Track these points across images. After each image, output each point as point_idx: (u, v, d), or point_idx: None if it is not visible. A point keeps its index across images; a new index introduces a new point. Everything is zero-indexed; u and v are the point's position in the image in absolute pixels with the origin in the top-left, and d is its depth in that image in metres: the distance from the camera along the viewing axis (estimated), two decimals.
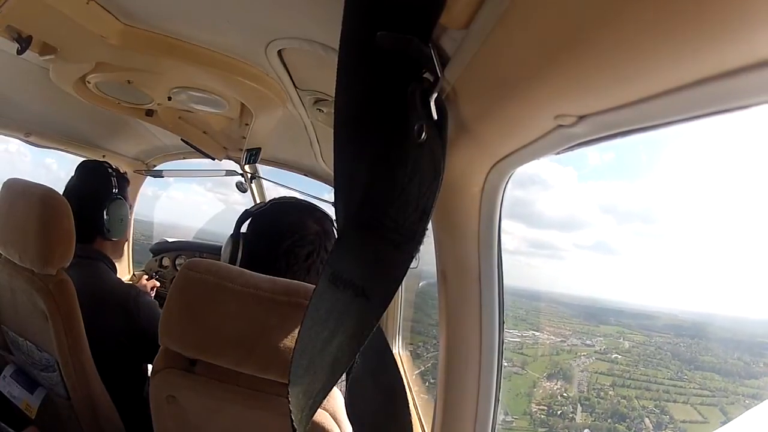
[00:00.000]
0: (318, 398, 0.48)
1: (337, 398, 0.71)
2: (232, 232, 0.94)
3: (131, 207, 1.46)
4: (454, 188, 0.65)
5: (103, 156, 2.01)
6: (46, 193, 1.04)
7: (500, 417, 0.79)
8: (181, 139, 1.69)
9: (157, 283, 1.95)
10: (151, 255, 2.28)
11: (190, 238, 2.78)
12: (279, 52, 0.95)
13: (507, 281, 0.75)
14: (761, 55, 0.25)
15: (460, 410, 0.78)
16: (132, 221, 2.14)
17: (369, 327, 0.43)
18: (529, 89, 0.40)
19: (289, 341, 0.66)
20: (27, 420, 1.16)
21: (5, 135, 1.74)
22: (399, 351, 2.02)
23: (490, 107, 0.48)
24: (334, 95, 0.48)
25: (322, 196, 1.93)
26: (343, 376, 0.67)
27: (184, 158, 2.23)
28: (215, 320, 0.70)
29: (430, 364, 2.04)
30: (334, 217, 0.91)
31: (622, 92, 0.34)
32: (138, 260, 2.37)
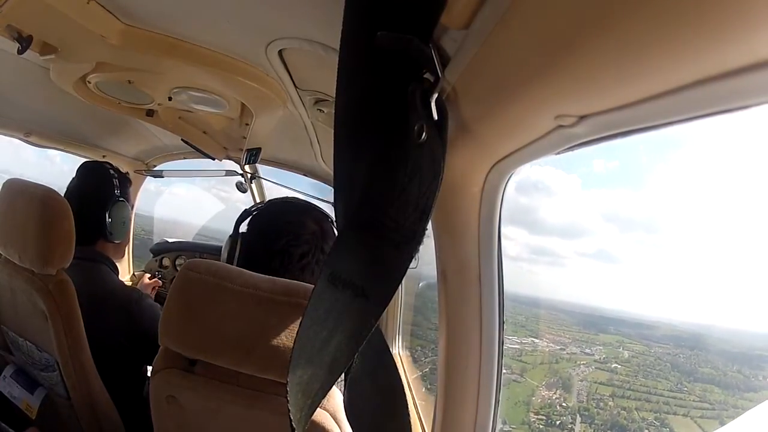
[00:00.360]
0: (317, 398, 0.47)
1: (336, 398, 0.71)
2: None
3: (132, 208, 1.46)
4: (454, 188, 0.65)
5: (104, 156, 2.02)
6: (46, 193, 1.04)
7: (498, 425, 0.79)
8: (182, 139, 1.69)
9: (159, 282, 1.95)
10: (151, 255, 2.28)
11: (191, 236, 2.78)
12: (279, 52, 0.95)
13: (507, 287, 0.75)
14: (761, 55, 0.25)
15: (461, 410, 0.78)
16: (133, 221, 2.14)
17: (368, 327, 0.43)
18: (529, 89, 0.40)
19: (289, 341, 0.66)
20: (27, 420, 1.16)
21: (5, 135, 1.74)
22: (399, 351, 2.02)
23: (490, 107, 0.48)
24: (334, 95, 0.48)
25: (322, 196, 1.93)
26: (342, 376, 0.67)
27: (185, 158, 2.23)
28: (215, 320, 0.70)
29: (427, 369, 2.04)
30: (333, 217, 0.91)
31: (623, 92, 0.34)
32: (137, 255, 2.37)
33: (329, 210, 0.95)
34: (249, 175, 2.13)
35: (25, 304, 1.08)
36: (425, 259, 0.88)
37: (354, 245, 0.47)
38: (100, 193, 1.32)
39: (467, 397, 0.77)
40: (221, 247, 0.98)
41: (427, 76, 0.43)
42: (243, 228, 0.95)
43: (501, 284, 0.74)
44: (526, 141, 0.50)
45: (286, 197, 1.01)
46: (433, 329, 0.88)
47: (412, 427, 0.90)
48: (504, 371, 0.78)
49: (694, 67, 0.28)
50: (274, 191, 2.27)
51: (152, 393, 0.76)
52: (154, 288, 1.90)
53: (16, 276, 1.07)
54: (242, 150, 1.67)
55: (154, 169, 2.26)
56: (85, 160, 1.60)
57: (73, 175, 1.37)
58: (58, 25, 0.93)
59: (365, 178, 0.46)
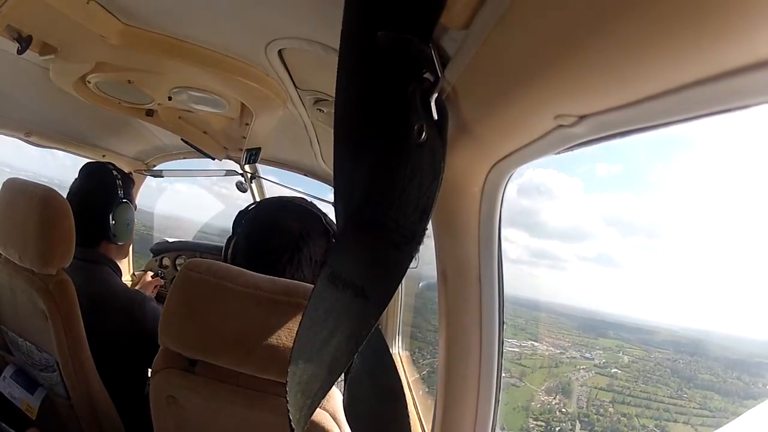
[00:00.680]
0: (316, 398, 0.47)
1: (336, 398, 0.71)
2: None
3: (135, 208, 1.46)
4: (454, 188, 0.65)
5: (104, 156, 2.02)
6: (46, 193, 1.04)
7: (497, 427, 0.78)
8: (182, 139, 1.69)
9: (161, 281, 1.95)
10: (151, 254, 2.28)
11: (192, 233, 2.77)
12: (279, 52, 0.95)
13: (507, 290, 0.74)
14: (761, 55, 0.25)
15: (461, 410, 0.78)
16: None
17: (368, 327, 0.43)
18: (529, 89, 0.40)
19: (289, 341, 0.66)
20: (28, 421, 1.16)
21: (5, 134, 1.74)
22: (399, 351, 2.02)
23: (490, 107, 0.48)
24: (334, 95, 0.48)
25: (322, 196, 1.93)
26: (342, 376, 0.67)
27: (184, 158, 2.23)
28: (215, 320, 0.70)
29: (425, 372, 2.04)
30: (333, 217, 0.91)
31: (623, 92, 0.34)
32: (137, 251, 2.36)
33: (329, 210, 0.95)
34: (249, 175, 2.14)
35: (25, 304, 1.08)
36: (425, 259, 0.88)
37: (354, 245, 0.47)
38: (103, 195, 1.31)
39: (467, 398, 0.77)
40: (221, 246, 0.98)
41: (427, 76, 0.43)
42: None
43: (501, 284, 0.74)
44: (526, 141, 0.50)
45: (281, 196, 1.00)
46: (433, 330, 0.87)
47: (412, 427, 0.90)
48: (503, 374, 0.78)
49: (694, 67, 0.28)
50: (274, 191, 2.28)
51: (152, 393, 0.76)
52: (155, 287, 1.90)
53: (16, 276, 1.07)
54: (242, 150, 1.67)
55: (154, 168, 2.26)
56: (87, 160, 1.60)
57: (75, 170, 1.36)
58: (58, 25, 0.93)
59: (365, 178, 0.46)
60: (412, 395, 1.66)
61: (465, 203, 0.67)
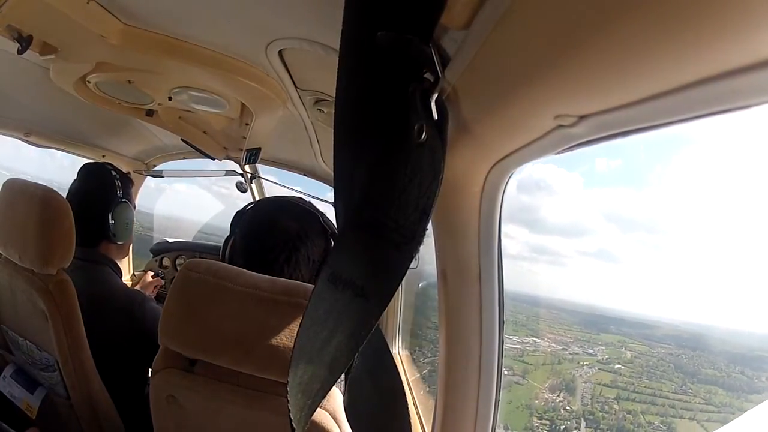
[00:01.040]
0: (317, 398, 0.48)
1: (336, 398, 0.71)
2: None
3: (134, 208, 1.46)
4: (454, 188, 0.65)
5: (103, 156, 2.02)
6: (46, 193, 1.04)
7: (498, 426, 0.78)
8: (182, 139, 1.69)
9: (161, 281, 1.95)
10: (151, 255, 2.28)
11: (192, 233, 2.77)
12: (279, 52, 0.95)
13: (508, 286, 0.74)
14: (761, 55, 0.25)
15: (461, 409, 0.79)
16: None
17: (368, 327, 0.43)
18: (529, 89, 0.40)
19: (289, 341, 0.66)
20: (28, 420, 1.16)
21: (5, 134, 1.74)
22: (399, 351, 2.02)
23: (490, 107, 0.48)
24: (334, 95, 0.48)
25: (322, 196, 1.93)
26: (342, 376, 0.67)
27: (184, 158, 2.23)
28: (215, 320, 0.70)
29: (426, 371, 2.03)
30: (332, 217, 0.91)
31: (622, 92, 0.34)
32: (137, 251, 2.36)
33: (328, 210, 0.95)
34: (249, 175, 2.14)
35: (25, 304, 1.08)
36: (425, 259, 0.88)
37: (354, 245, 0.47)
38: (102, 195, 1.32)
39: (467, 397, 0.77)
40: (221, 246, 0.98)
41: (427, 76, 0.43)
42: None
43: (501, 284, 0.74)
44: (526, 141, 0.50)
45: (279, 196, 1.00)
46: (433, 327, 0.88)
47: (413, 426, 0.90)
48: (505, 372, 0.78)
49: (694, 67, 0.28)
50: (274, 191, 2.28)
51: (152, 393, 0.76)
52: (155, 287, 1.90)
53: (16, 276, 1.07)
54: (242, 150, 1.67)
55: (154, 169, 2.26)
56: (86, 161, 1.60)
57: (74, 171, 1.36)
58: (58, 25, 0.93)
59: (365, 178, 0.46)
60: (412, 395, 1.67)
61: (465, 203, 0.67)
